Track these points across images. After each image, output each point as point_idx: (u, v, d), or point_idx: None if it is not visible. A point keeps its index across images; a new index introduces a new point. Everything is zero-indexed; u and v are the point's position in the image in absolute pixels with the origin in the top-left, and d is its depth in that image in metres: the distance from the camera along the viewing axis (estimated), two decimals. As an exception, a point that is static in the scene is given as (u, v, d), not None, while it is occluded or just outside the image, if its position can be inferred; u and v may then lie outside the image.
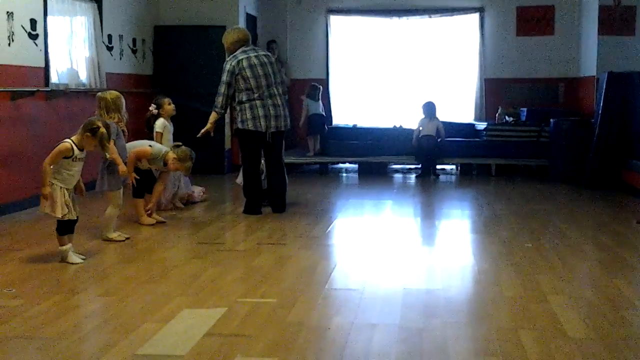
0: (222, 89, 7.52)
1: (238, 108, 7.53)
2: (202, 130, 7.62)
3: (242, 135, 7.62)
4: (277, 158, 7.75)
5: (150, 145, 7.07)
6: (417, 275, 5.37)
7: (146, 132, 7.81)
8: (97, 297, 4.76)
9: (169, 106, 7.88)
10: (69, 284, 5.04)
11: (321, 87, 11.96)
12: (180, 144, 7.30)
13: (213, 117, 7.63)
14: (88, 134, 5.45)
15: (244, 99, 7.46)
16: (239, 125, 7.55)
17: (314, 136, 11.71)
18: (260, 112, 7.45)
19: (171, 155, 7.02)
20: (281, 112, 7.60)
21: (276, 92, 7.59)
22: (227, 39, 7.70)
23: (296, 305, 4.47)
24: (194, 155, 7.17)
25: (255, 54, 7.61)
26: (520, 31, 12.74)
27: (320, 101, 11.78)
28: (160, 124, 7.73)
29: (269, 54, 7.96)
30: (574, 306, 4.50)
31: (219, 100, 7.55)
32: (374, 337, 3.95)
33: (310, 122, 11.58)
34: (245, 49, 7.60)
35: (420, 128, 11.37)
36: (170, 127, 7.85)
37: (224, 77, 7.51)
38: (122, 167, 6.26)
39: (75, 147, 5.44)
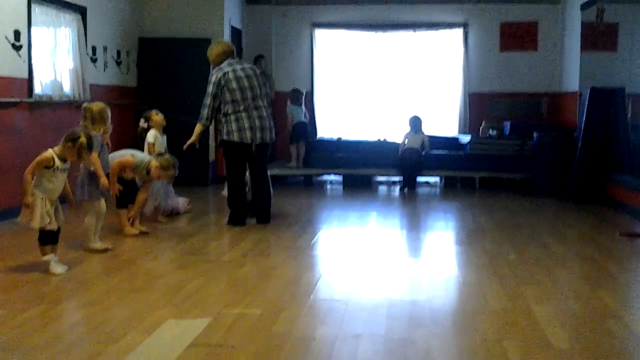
0: (208, 100, 7.52)
1: (223, 120, 7.53)
2: (188, 143, 7.60)
3: (227, 147, 7.61)
4: (262, 169, 7.75)
5: (132, 155, 7.04)
6: (401, 286, 5.37)
7: (139, 146, 7.80)
8: (81, 308, 4.73)
9: (157, 116, 7.88)
10: (52, 294, 5.00)
11: (304, 92, 11.94)
12: (164, 152, 7.28)
13: (198, 128, 7.63)
14: (69, 144, 5.43)
15: (230, 110, 7.47)
16: (224, 137, 7.54)
17: (298, 144, 11.67)
18: (246, 123, 7.46)
19: (154, 163, 7.00)
20: (266, 124, 7.61)
21: (261, 104, 7.60)
22: (212, 52, 7.72)
23: (281, 316, 4.46)
24: (177, 164, 7.14)
25: (241, 66, 7.63)
26: (503, 47, 12.84)
27: (303, 106, 11.73)
28: (151, 134, 7.74)
29: (254, 66, 7.98)
30: (558, 317, 4.52)
31: (205, 112, 7.55)
32: (358, 347, 3.94)
33: (293, 130, 11.55)
34: (231, 61, 7.62)
35: (406, 141, 11.41)
36: (161, 139, 7.85)
37: (210, 89, 7.51)
38: (103, 180, 6.22)
39: (56, 158, 5.41)
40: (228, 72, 7.48)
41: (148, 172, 7.00)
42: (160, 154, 7.19)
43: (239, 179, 7.63)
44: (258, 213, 7.77)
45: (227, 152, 7.65)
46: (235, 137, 7.46)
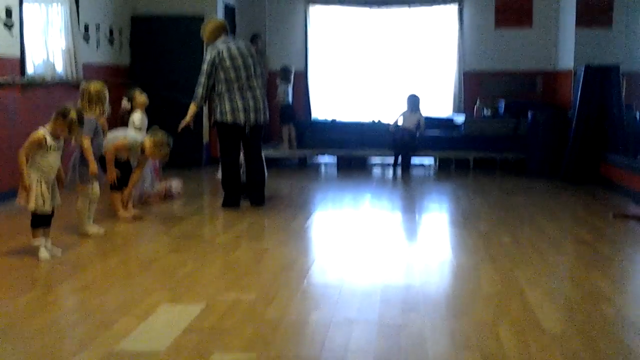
0: (202, 79, 7.45)
1: (217, 99, 7.46)
2: (182, 124, 7.54)
3: (220, 128, 7.56)
4: (256, 151, 7.70)
5: (124, 136, 6.99)
6: (395, 270, 5.37)
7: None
8: (75, 292, 4.72)
9: (141, 96, 7.77)
10: (47, 278, 5.00)
11: (293, 69, 11.85)
12: (157, 127, 7.17)
13: (192, 109, 7.55)
14: (59, 119, 5.37)
15: (223, 89, 7.39)
16: (218, 118, 7.49)
17: (289, 125, 11.64)
18: (240, 104, 7.40)
19: (148, 142, 6.92)
20: (260, 105, 7.54)
21: (256, 84, 7.53)
22: (205, 29, 7.65)
23: (275, 301, 4.46)
24: (171, 142, 7.02)
25: (236, 44, 7.53)
26: (498, 23, 12.76)
27: (290, 85, 11.67)
28: (138, 119, 7.65)
29: (250, 44, 7.86)
30: (551, 300, 4.53)
31: (199, 91, 7.47)
32: (352, 332, 3.95)
33: (282, 111, 11.51)
34: (226, 39, 7.53)
35: (400, 119, 11.40)
36: (145, 120, 7.75)
37: (204, 67, 7.44)
38: (92, 166, 6.15)
39: (48, 136, 5.37)
40: (222, 50, 7.40)
41: (142, 151, 6.95)
42: (153, 132, 7.10)
43: (232, 161, 7.58)
44: (252, 195, 7.74)
45: (221, 133, 7.60)
46: (229, 118, 7.40)
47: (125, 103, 7.76)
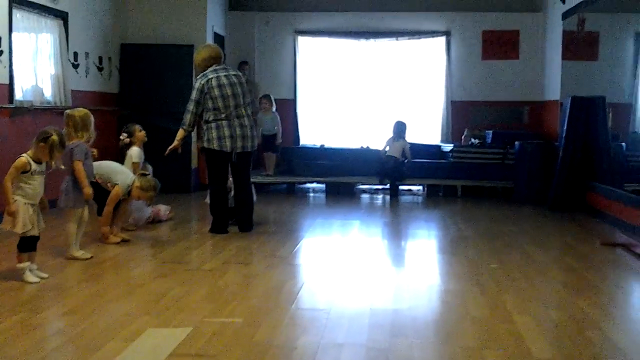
0: (191, 106, 7.51)
1: (205, 127, 7.53)
2: (169, 148, 7.62)
3: (208, 154, 7.60)
4: (245, 178, 7.73)
5: (118, 186, 7.01)
6: (384, 295, 5.37)
7: (120, 158, 7.82)
8: (61, 316, 4.69)
9: (141, 133, 7.88)
10: (32, 302, 4.95)
11: (273, 98, 11.75)
12: (148, 173, 7.30)
13: (180, 134, 7.62)
14: (41, 143, 5.40)
15: (211, 118, 7.46)
16: (205, 144, 7.55)
17: (268, 154, 11.61)
18: (227, 132, 7.44)
19: (136, 183, 7.02)
20: (248, 133, 7.57)
21: (244, 113, 7.56)
22: (198, 56, 7.71)
23: (263, 325, 4.44)
24: (159, 186, 7.17)
25: (226, 73, 7.57)
26: (485, 55, 12.91)
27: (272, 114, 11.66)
28: (136, 153, 7.73)
29: (240, 74, 7.89)
30: (539, 326, 4.53)
31: (187, 117, 7.54)
32: (340, 357, 3.93)
33: (265, 140, 11.48)
34: (217, 67, 7.58)
35: (387, 148, 11.45)
36: (142, 155, 7.85)
37: (193, 95, 7.50)
38: (87, 190, 6.19)
39: (31, 161, 5.39)
40: (212, 78, 7.45)
41: (129, 192, 7.04)
42: (143, 174, 7.20)
43: (220, 187, 7.61)
44: (240, 221, 7.75)
45: (209, 160, 7.64)
46: (215, 145, 7.45)
47: (124, 137, 7.83)
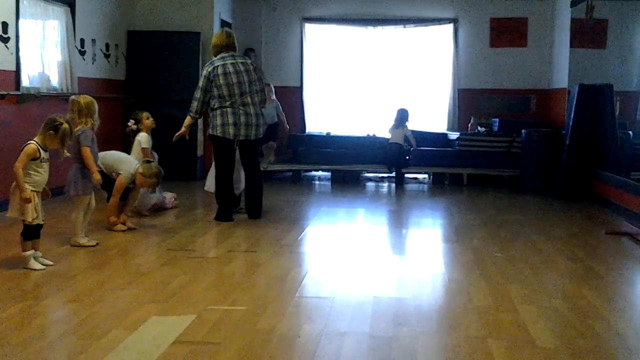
0: (198, 94, 7.56)
1: (211, 114, 7.60)
2: (177, 134, 7.70)
3: (213, 141, 7.67)
4: (252, 165, 7.76)
5: (122, 176, 7.03)
6: (387, 283, 5.37)
7: (125, 146, 7.90)
8: (65, 304, 4.71)
9: (148, 120, 7.93)
10: (36, 290, 4.98)
11: (272, 86, 11.68)
12: (152, 160, 7.33)
13: (187, 121, 7.68)
14: (51, 131, 5.42)
15: (216, 105, 7.50)
16: (210, 131, 7.62)
17: (267, 144, 11.27)
18: (230, 119, 7.47)
19: (139, 170, 7.05)
20: (252, 121, 7.56)
21: (249, 101, 7.55)
22: (211, 43, 7.80)
23: (266, 313, 4.45)
24: (162, 173, 7.19)
25: (232, 61, 7.55)
26: (493, 42, 12.85)
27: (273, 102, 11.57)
28: (145, 139, 7.79)
29: (248, 61, 7.80)
30: (543, 316, 4.53)
31: (194, 104, 7.60)
32: (344, 345, 3.94)
33: (268, 129, 11.39)
34: (224, 55, 7.59)
35: (390, 135, 11.48)
36: (150, 141, 7.89)
37: (200, 83, 7.56)
38: (96, 176, 6.22)
39: (40, 148, 5.39)
40: (218, 66, 7.48)
41: (133, 181, 7.09)
42: (147, 161, 7.24)
43: (226, 174, 7.63)
44: (249, 208, 7.80)
45: (214, 147, 7.71)
46: (219, 131, 7.50)
47: (131, 123, 7.89)
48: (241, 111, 7.50)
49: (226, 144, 7.55)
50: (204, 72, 7.55)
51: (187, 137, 7.86)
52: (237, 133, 7.50)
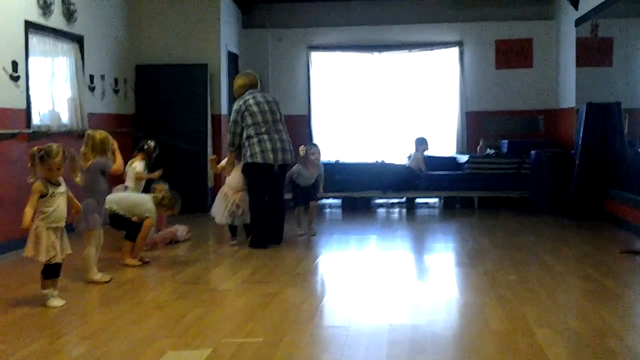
0: (233, 128, 7.93)
1: (247, 143, 7.84)
2: (219, 168, 8.31)
3: (251, 169, 7.86)
4: (279, 191, 8.13)
5: (147, 216, 7.08)
6: (403, 310, 5.36)
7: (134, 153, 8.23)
8: (81, 341, 4.71)
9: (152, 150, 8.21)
10: (52, 327, 4.99)
11: None
12: (161, 185, 7.41)
13: (230, 156, 8.10)
14: (37, 161, 5.41)
15: (252, 133, 7.81)
16: (249, 160, 7.83)
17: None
18: (268, 145, 7.80)
19: (162, 202, 7.17)
20: (287, 146, 7.98)
21: (281, 128, 8.00)
22: (236, 83, 8.23)
23: (282, 344, 4.44)
24: (179, 197, 7.31)
25: (262, 93, 8.14)
26: (499, 64, 12.90)
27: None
28: (141, 167, 8.00)
29: (273, 97, 8.33)
30: (560, 338, 4.51)
31: (233, 139, 7.95)
32: (360, 374, 3.93)
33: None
34: (251, 91, 8.05)
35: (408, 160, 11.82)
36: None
37: (233, 117, 7.93)
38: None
39: (47, 184, 5.40)
40: (248, 99, 7.93)
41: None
42: (158, 192, 7.29)
43: (262, 202, 7.89)
44: (272, 234, 8.01)
45: (251, 175, 7.89)
46: (259, 158, 7.76)
47: (151, 143, 8.21)
48: (276, 137, 7.86)
49: (267, 170, 7.80)
50: (235, 107, 7.94)
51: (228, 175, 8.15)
52: (276, 158, 7.81)
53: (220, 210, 8.07)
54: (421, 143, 11.76)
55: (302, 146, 8.64)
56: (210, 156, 8.47)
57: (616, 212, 9.25)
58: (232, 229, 8.17)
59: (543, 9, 12.77)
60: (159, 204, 7.12)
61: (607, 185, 9.64)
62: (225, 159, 8.29)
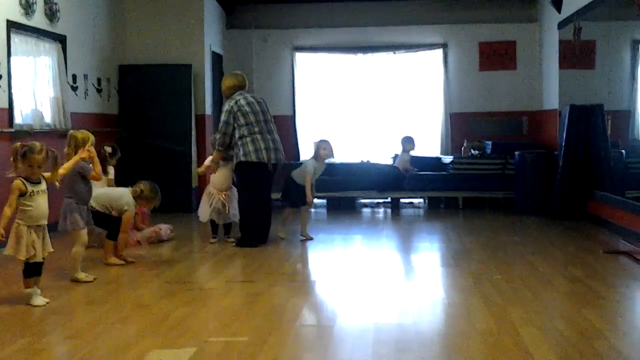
0: (224, 128, 7.92)
1: (239, 142, 7.86)
2: (202, 170, 8.35)
3: (244, 168, 7.88)
4: (268, 191, 8.14)
5: (126, 210, 7.00)
6: (388, 310, 5.36)
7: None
8: (65, 340, 4.67)
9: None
10: (36, 326, 4.94)
11: None
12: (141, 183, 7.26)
13: (217, 156, 8.09)
14: (17, 158, 5.35)
15: (245, 133, 7.85)
16: (242, 159, 7.84)
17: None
18: (262, 144, 7.87)
19: (144, 193, 7.07)
20: (279, 146, 8.08)
21: (272, 128, 8.09)
22: (224, 84, 8.28)
23: (267, 344, 4.43)
24: (158, 194, 7.24)
25: (252, 94, 8.24)
26: (483, 66, 12.96)
27: None
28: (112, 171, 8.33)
29: (262, 97, 8.43)
30: (545, 338, 4.52)
31: (222, 139, 7.95)
32: (346, 373, 3.92)
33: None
34: (241, 91, 8.10)
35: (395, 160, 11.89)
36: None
37: (223, 117, 7.94)
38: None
39: (26, 182, 5.36)
40: (239, 99, 7.96)
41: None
42: (138, 189, 7.18)
43: (253, 202, 7.92)
44: (260, 234, 8.09)
45: (244, 174, 7.93)
46: (253, 157, 7.82)
47: (107, 148, 8.26)
48: (269, 137, 7.94)
49: (260, 168, 7.84)
50: (226, 108, 7.94)
51: (214, 172, 8.16)
52: (270, 157, 7.87)
53: (204, 209, 8.11)
54: (408, 142, 11.78)
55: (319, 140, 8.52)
56: (199, 169, 8.52)
57: (600, 212, 9.31)
58: (214, 227, 8.22)
59: (526, 12, 12.83)
60: (138, 196, 7.05)
61: (591, 186, 9.69)
62: (209, 158, 8.30)
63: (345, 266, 7.09)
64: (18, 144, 5.44)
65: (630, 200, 8.50)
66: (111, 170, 8.36)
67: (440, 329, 4.95)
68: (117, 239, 6.99)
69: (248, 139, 7.83)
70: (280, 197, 8.75)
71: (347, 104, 13.14)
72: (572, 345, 4.36)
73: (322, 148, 8.36)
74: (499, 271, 6.54)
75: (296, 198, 8.42)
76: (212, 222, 8.21)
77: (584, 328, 4.73)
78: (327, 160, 8.61)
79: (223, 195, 8.03)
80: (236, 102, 7.92)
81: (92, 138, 6.42)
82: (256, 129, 7.87)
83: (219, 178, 8.11)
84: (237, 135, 7.87)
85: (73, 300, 5.71)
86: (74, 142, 6.32)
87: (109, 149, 8.31)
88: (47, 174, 5.58)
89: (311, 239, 8.47)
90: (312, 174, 8.35)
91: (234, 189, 8.16)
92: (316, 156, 8.41)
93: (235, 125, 7.88)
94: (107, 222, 7.00)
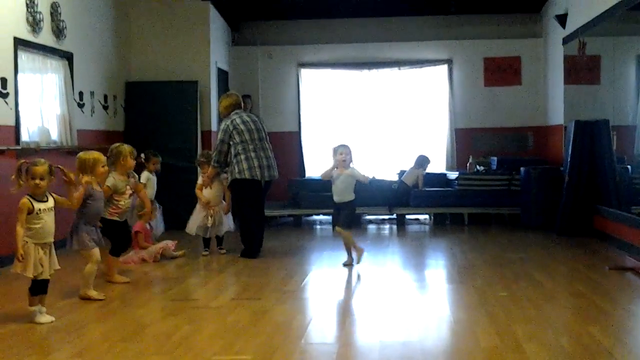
0: (220, 147, 8.21)
1: (234, 160, 8.14)
2: (200, 186, 8.48)
3: (239, 185, 8.16)
4: (262, 206, 8.42)
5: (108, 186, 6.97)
6: (393, 327, 5.35)
7: None
8: (71, 358, 4.66)
9: (155, 165, 8.84)
10: (41, 344, 4.96)
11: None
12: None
13: (212, 172, 8.36)
14: (20, 176, 5.39)
15: (240, 150, 8.11)
16: (237, 176, 8.12)
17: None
18: (255, 162, 8.12)
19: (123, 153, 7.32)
20: (272, 163, 8.32)
21: (267, 146, 8.33)
22: (221, 105, 8.53)
23: (272, 361, 4.43)
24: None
25: (247, 113, 8.47)
26: (488, 81, 12.99)
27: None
28: (145, 176, 8.54)
29: (258, 117, 8.64)
30: (549, 355, 4.51)
31: (218, 157, 8.24)
32: (351, 392, 3.91)
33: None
34: (237, 111, 8.36)
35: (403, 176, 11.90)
36: (154, 180, 8.71)
37: (220, 136, 8.20)
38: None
39: (32, 201, 5.38)
40: (235, 118, 8.22)
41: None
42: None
43: (252, 216, 8.23)
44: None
45: (239, 191, 8.24)
46: (247, 174, 8.09)
47: (141, 155, 8.48)
48: (262, 155, 8.18)
49: (254, 186, 8.09)
50: (223, 127, 8.20)
51: (210, 187, 8.43)
52: (263, 174, 8.11)
53: (194, 221, 8.49)
54: (425, 161, 11.83)
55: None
56: (198, 191, 8.59)
57: (605, 228, 9.28)
58: (205, 240, 8.59)
59: (531, 27, 12.88)
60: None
61: (596, 201, 9.68)
62: (204, 175, 8.51)
63: (350, 283, 7.08)
64: (23, 160, 5.47)
65: (636, 216, 8.48)
66: (145, 175, 8.63)
67: (446, 346, 4.94)
68: (119, 254, 7.07)
69: (242, 156, 8.09)
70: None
71: (353, 120, 13.17)
72: (578, 363, 4.35)
73: (339, 153, 7.93)
74: (504, 288, 6.53)
75: (334, 214, 8.22)
76: (203, 236, 8.60)
77: (589, 345, 4.72)
78: (357, 172, 8.12)
79: (213, 210, 8.43)
80: (232, 122, 8.18)
81: (100, 161, 6.42)
82: (250, 147, 8.12)
83: (212, 193, 8.46)
84: (232, 153, 8.14)
85: (78, 318, 5.71)
86: (79, 164, 6.36)
87: (142, 157, 8.52)
88: (62, 199, 5.63)
89: (358, 262, 7.91)
90: (331, 179, 8.04)
91: (224, 203, 8.54)
92: (336, 163, 7.98)
93: (231, 142, 8.14)
94: (115, 232, 6.98)
